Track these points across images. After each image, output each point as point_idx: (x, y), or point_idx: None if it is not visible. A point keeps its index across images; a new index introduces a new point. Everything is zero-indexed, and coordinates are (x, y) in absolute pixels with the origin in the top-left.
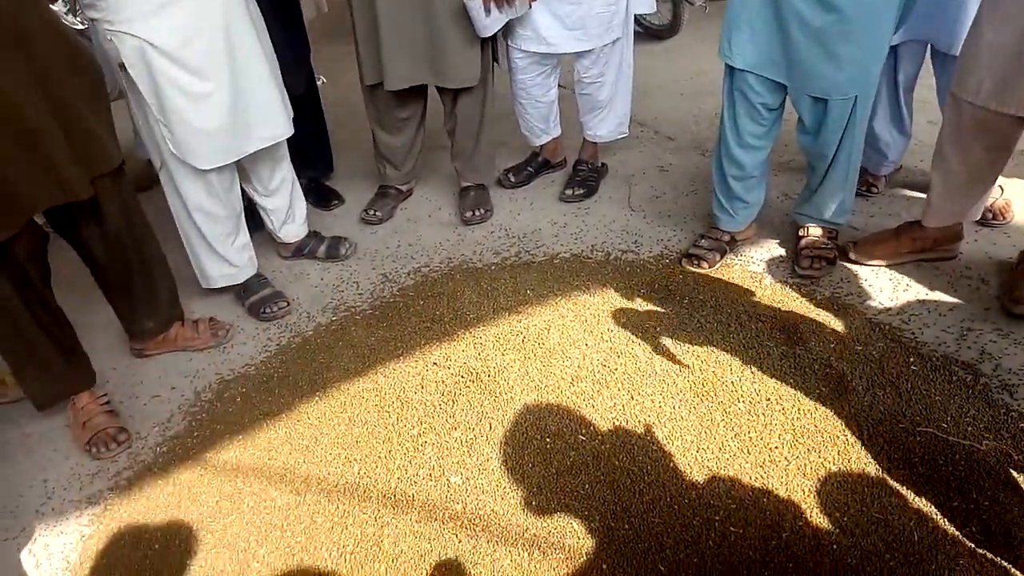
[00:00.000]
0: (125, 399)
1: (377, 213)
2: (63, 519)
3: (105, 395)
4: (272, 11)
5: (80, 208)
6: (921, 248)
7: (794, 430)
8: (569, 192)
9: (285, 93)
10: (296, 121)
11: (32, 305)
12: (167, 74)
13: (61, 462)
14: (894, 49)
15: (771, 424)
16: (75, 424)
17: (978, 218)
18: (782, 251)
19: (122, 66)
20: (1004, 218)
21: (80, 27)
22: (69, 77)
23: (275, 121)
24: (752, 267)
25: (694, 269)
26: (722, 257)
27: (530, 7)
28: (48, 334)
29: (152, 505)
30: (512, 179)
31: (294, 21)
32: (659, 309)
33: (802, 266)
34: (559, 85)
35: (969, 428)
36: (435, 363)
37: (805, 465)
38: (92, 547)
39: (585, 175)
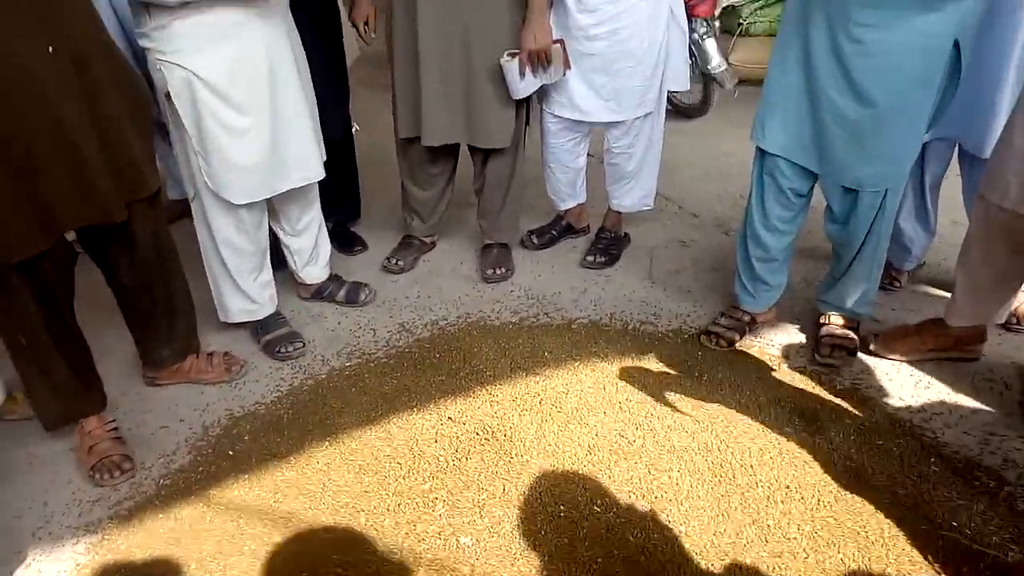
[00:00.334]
0: (133, 427)
1: (399, 263)
2: (59, 545)
3: (114, 421)
4: (316, 53)
5: (112, 230)
6: (943, 346)
7: (813, 521)
8: (591, 259)
9: (321, 136)
10: (328, 165)
11: (53, 323)
12: (209, 107)
13: (63, 486)
14: (923, 146)
15: (790, 513)
16: (81, 448)
17: (1002, 322)
18: (801, 337)
19: (168, 96)
20: None
21: None
22: (118, 100)
23: (310, 162)
24: (771, 350)
25: (713, 347)
26: (741, 337)
27: (564, 75)
28: (65, 354)
29: (151, 539)
30: (535, 241)
31: (337, 65)
32: (678, 384)
33: (822, 354)
34: (588, 154)
35: (994, 538)
36: (450, 417)
37: (824, 560)
38: None
39: (607, 243)
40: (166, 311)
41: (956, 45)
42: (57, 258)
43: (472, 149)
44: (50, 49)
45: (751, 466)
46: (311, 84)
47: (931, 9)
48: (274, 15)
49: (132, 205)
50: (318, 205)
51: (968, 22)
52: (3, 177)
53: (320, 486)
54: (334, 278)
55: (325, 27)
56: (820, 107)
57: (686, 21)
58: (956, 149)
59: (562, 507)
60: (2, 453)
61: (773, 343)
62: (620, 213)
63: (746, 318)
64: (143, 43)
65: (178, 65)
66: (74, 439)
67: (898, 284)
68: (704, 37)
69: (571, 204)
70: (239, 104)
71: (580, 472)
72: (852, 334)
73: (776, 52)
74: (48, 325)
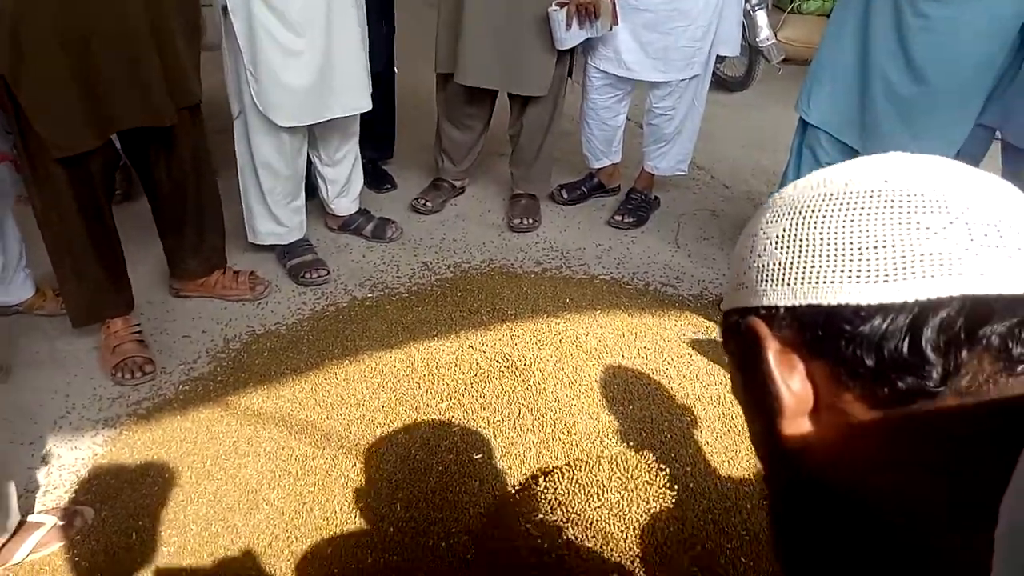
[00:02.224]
0: (156, 333)
1: (428, 203)
2: (78, 435)
3: (138, 324)
4: None
5: (156, 135)
6: None
7: None
8: (619, 218)
9: (369, 68)
10: None
11: (91, 221)
12: (266, 25)
13: (84, 381)
14: None
15: None
16: (105, 347)
17: None
18: None
19: (225, 10)
20: None
21: None
22: (174, 12)
23: (358, 92)
24: None
25: None
26: None
27: (611, 29)
28: (99, 252)
29: (167, 436)
30: (565, 195)
31: None
32: (695, 342)
33: None
34: (626, 118)
35: None
36: (471, 346)
37: None
38: (103, 466)
39: (637, 204)
40: (197, 222)
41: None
42: (102, 158)
43: (511, 96)
44: None
45: None
46: (365, 15)
47: None
48: None
49: (177, 112)
50: (356, 138)
51: None
52: (67, 75)
53: (338, 399)
54: (363, 212)
55: None
56: (872, 82)
57: None
58: (999, 142)
59: (575, 437)
60: (30, 345)
61: None
62: (653, 176)
63: None
64: None
65: None
66: (99, 337)
67: None
68: (756, 8)
69: (605, 163)
70: (295, 24)
71: (594, 407)
72: None
73: (831, 25)
74: (87, 222)
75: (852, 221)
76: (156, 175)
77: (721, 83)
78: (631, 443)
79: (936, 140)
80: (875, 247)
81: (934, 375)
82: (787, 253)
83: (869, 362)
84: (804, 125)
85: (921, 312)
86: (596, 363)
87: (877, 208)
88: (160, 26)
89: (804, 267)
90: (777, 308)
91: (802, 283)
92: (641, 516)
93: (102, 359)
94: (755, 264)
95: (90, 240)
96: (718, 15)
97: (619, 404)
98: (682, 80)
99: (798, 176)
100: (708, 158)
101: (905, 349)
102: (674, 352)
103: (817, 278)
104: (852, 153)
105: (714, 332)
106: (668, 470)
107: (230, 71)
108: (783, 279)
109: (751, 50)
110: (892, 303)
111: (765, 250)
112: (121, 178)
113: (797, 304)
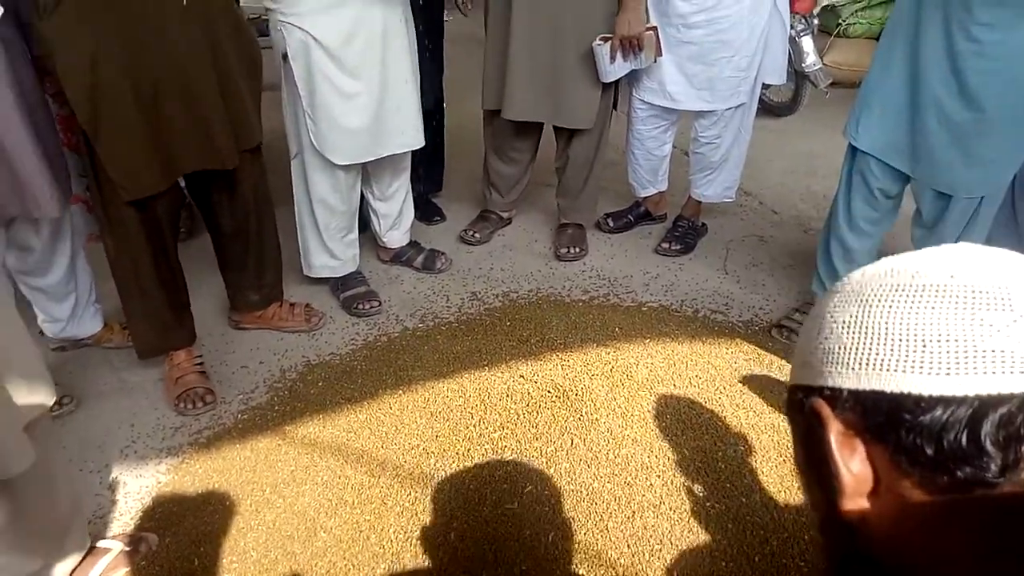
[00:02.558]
0: (216, 364)
1: (476, 235)
2: (143, 464)
3: (200, 356)
4: (417, 22)
5: (219, 177)
6: None
7: None
8: (666, 246)
9: (421, 106)
10: None
11: (159, 259)
12: (324, 70)
13: (149, 411)
14: None
15: None
16: (169, 378)
17: None
18: None
19: (285, 56)
20: None
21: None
22: (235, 54)
23: (410, 130)
24: None
25: (784, 340)
26: None
27: (655, 61)
28: (166, 288)
29: (228, 465)
30: (611, 224)
31: (436, 36)
32: (747, 369)
33: None
34: (672, 145)
35: None
36: (522, 376)
37: None
38: (166, 494)
39: (684, 231)
40: (257, 257)
41: None
42: (169, 199)
43: (556, 129)
44: (184, 2)
45: None
46: (417, 54)
47: None
48: None
49: (240, 154)
50: (408, 173)
51: None
52: (135, 120)
53: (392, 428)
54: (413, 244)
55: None
56: (924, 107)
57: (788, 13)
58: None
59: (629, 470)
60: (98, 376)
61: None
62: (700, 203)
63: None
64: (267, 4)
65: (298, 27)
66: (163, 369)
67: None
68: (801, 34)
69: (651, 192)
70: (352, 68)
71: (647, 437)
72: None
73: (880, 49)
74: (155, 260)
75: (918, 313)
76: (219, 215)
77: (768, 109)
78: (686, 473)
79: (988, 167)
80: (939, 340)
81: (993, 467)
82: (853, 338)
83: (929, 451)
84: (853, 151)
85: (981, 406)
86: (648, 392)
87: (943, 302)
88: (223, 70)
89: (869, 354)
90: (841, 390)
91: (866, 369)
92: (701, 555)
93: (166, 390)
94: (821, 346)
95: (157, 278)
96: (763, 44)
97: (672, 434)
98: (728, 109)
99: (848, 204)
100: (756, 184)
101: (964, 441)
102: (726, 381)
103: (881, 365)
104: (903, 178)
105: (766, 360)
106: (724, 502)
107: (289, 113)
108: (848, 363)
109: (798, 75)
110: (953, 396)
111: (832, 333)
112: (185, 216)
113: (861, 389)
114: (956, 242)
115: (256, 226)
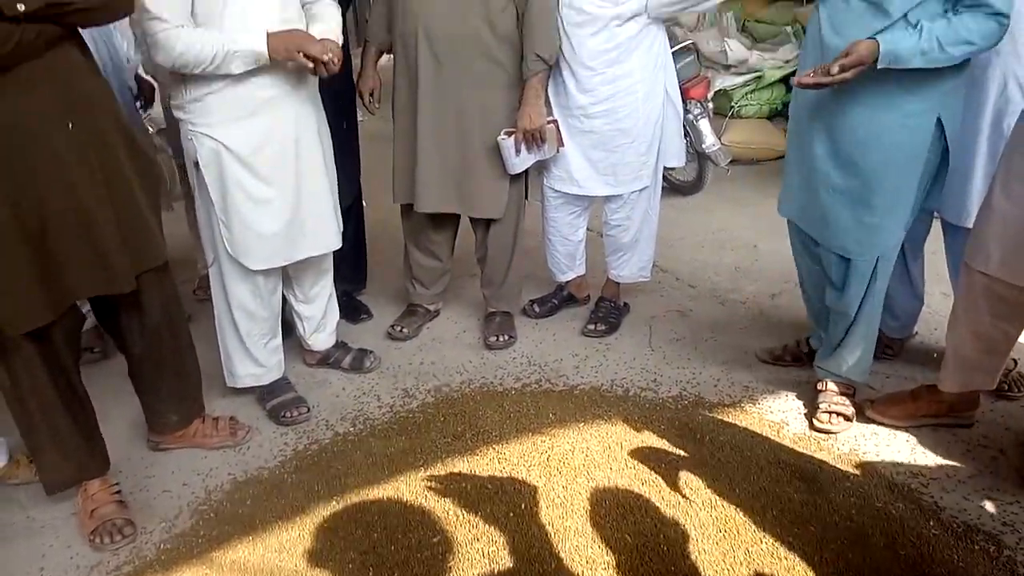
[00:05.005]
0: (135, 491)
1: (404, 330)
2: None
3: (117, 484)
4: (331, 123)
5: (123, 299)
6: (937, 412)
7: None
8: (591, 327)
9: (338, 206)
10: None
11: (61, 388)
12: (236, 177)
13: (61, 550)
14: None
15: (794, 569)
16: (83, 512)
17: (993, 388)
18: (799, 403)
19: (196, 164)
20: (1020, 390)
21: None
22: (132, 173)
23: (327, 232)
24: (770, 416)
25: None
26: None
27: (557, 151)
28: (72, 417)
29: None
30: (537, 309)
31: (350, 135)
32: (680, 446)
33: (820, 420)
34: (587, 228)
35: None
36: (458, 472)
37: None
38: None
39: (607, 312)
40: (175, 378)
41: (940, 123)
42: (65, 324)
43: (473, 220)
44: (69, 125)
45: (754, 523)
46: (332, 156)
47: (910, 92)
48: (304, 89)
49: (142, 275)
50: (331, 274)
51: (949, 101)
52: (16, 247)
53: (327, 543)
54: (340, 345)
55: (341, 98)
56: (815, 176)
57: (681, 102)
58: (941, 222)
59: (574, 566)
60: (2, 518)
61: (772, 409)
62: (619, 284)
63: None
64: (177, 114)
65: (209, 136)
66: (76, 502)
67: (891, 352)
68: (698, 118)
69: (571, 276)
70: (265, 175)
71: (588, 526)
72: (848, 401)
73: (788, 125)
74: (56, 388)
75: None
76: (127, 339)
77: (675, 188)
78: (630, 563)
79: (877, 228)
80: None
81: None
82: None
83: None
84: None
85: None
86: (585, 479)
87: None
88: (119, 189)
89: None
90: None
91: None
92: None
93: (80, 524)
94: None
95: (62, 404)
96: (660, 130)
97: (612, 520)
98: (633, 192)
99: (799, 265)
100: (671, 261)
101: None
102: (661, 461)
103: None
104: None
105: (697, 435)
106: None
107: (203, 221)
108: None
109: (700, 156)
110: None
111: None
112: (95, 336)
113: None
114: (861, 302)
115: (170, 346)
